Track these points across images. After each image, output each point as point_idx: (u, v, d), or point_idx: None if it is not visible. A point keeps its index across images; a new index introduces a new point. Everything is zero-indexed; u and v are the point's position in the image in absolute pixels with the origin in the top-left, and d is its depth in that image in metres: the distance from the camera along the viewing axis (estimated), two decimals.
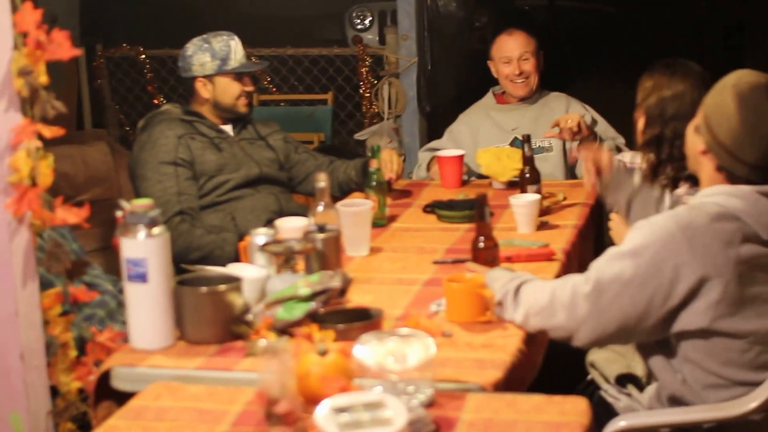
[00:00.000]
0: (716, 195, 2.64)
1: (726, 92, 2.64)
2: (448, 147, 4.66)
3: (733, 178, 2.65)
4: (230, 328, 2.75)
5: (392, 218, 3.90)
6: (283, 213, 4.10)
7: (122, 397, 2.69)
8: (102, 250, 4.95)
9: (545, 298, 2.69)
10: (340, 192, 4.34)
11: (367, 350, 2.36)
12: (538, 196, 3.64)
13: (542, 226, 3.66)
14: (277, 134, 4.37)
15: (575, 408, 2.30)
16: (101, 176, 5.66)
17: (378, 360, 2.33)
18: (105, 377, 2.73)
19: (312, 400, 2.31)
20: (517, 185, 4.14)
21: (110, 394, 2.73)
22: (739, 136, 2.61)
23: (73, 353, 2.87)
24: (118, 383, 2.69)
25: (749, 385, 2.62)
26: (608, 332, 2.62)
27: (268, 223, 3.98)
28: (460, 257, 3.36)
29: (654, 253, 2.57)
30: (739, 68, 2.75)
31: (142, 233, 2.70)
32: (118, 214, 2.81)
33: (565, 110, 4.64)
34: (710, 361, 2.63)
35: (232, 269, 2.97)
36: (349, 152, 6.07)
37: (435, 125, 6.16)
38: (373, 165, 3.81)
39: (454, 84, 6.90)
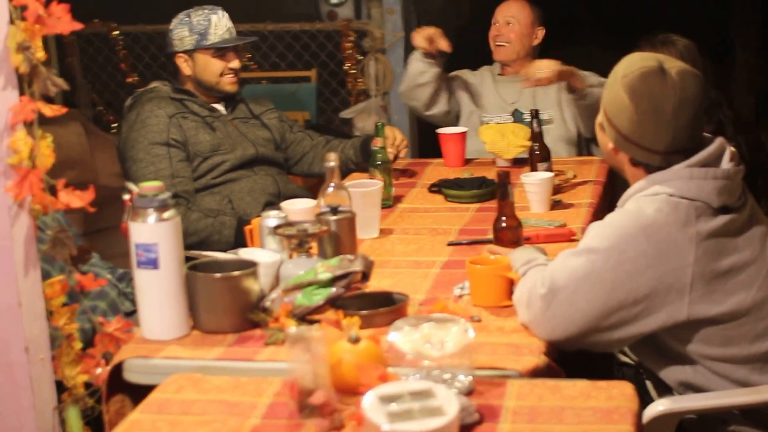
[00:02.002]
0: (654, 188, 2.58)
1: (617, 86, 2.60)
2: (454, 85, 4.68)
3: (651, 169, 2.61)
4: (247, 316, 2.70)
5: (397, 199, 3.85)
6: (281, 195, 4.04)
7: (134, 391, 2.64)
8: (82, 235, 4.86)
9: (517, 294, 2.68)
10: None
11: (401, 337, 2.31)
12: (551, 174, 3.60)
13: (555, 205, 3.61)
14: (272, 113, 4.30)
15: (622, 393, 2.27)
16: (76, 158, 5.56)
17: (414, 347, 2.28)
18: (116, 370, 2.65)
19: (345, 390, 2.27)
20: (522, 163, 4.12)
21: (122, 388, 2.66)
22: (643, 128, 2.58)
23: (78, 345, 2.80)
24: (132, 376, 2.63)
25: (762, 360, 2.61)
26: (571, 332, 2.56)
27: (267, 205, 3.93)
28: (475, 238, 3.32)
29: (610, 248, 2.53)
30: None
31: (152, 217, 2.63)
32: (126, 197, 2.74)
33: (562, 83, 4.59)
34: (709, 346, 2.60)
35: (244, 254, 2.91)
36: (334, 131, 5.99)
37: None
38: (378, 143, 3.76)
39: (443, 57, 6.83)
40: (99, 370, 2.80)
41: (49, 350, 2.72)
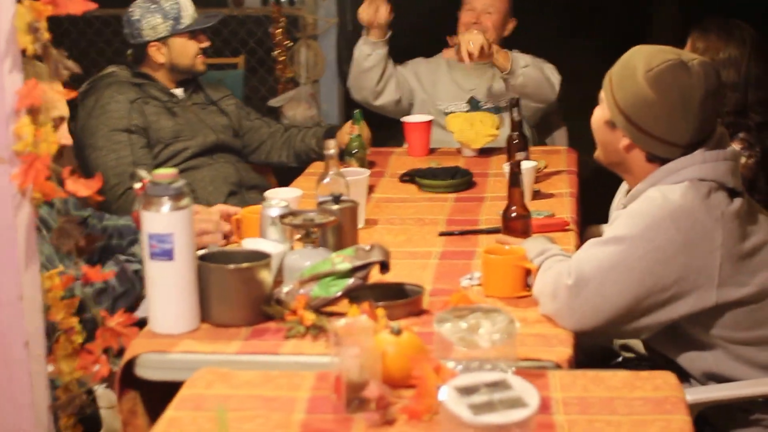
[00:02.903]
0: (672, 177, 2.64)
1: (639, 80, 2.62)
2: (404, 72, 4.66)
3: (665, 162, 2.66)
4: (261, 309, 2.65)
5: (369, 188, 3.82)
6: (242, 184, 4.00)
7: (144, 387, 2.58)
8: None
9: (539, 285, 2.69)
10: (297, 162, 4.26)
11: (446, 328, 2.30)
12: (534, 163, 3.62)
13: (536, 195, 3.63)
14: (229, 99, 4.24)
15: (667, 383, 2.30)
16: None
17: (462, 337, 2.27)
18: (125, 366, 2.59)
19: (390, 383, 2.25)
20: (489, 152, 4.15)
21: (131, 384, 2.60)
22: (669, 122, 2.62)
23: (78, 339, 2.72)
24: (145, 372, 2.57)
25: None
26: (599, 322, 2.59)
27: (230, 195, 3.88)
28: (465, 228, 3.33)
29: (638, 236, 2.57)
30: None
31: (167, 206, 2.57)
32: (137, 185, 2.67)
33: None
34: (735, 330, 2.65)
35: (247, 244, 2.86)
36: None
37: None
38: (354, 131, 3.73)
39: None
40: (97, 367, 2.71)
41: (45, 345, 2.63)
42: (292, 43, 6.10)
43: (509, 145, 3.81)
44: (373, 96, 4.58)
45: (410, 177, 3.88)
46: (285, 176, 4.40)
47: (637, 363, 2.95)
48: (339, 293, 2.65)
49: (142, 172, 2.63)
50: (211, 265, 2.63)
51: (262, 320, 2.65)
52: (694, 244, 2.57)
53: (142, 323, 2.64)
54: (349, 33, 6.17)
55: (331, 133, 4.12)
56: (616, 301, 2.56)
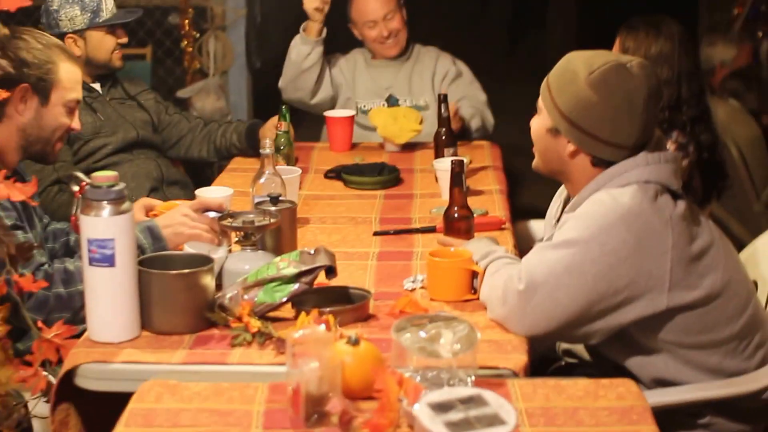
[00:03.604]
0: (617, 180, 2.57)
1: (581, 84, 2.55)
2: (332, 67, 4.52)
3: (609, 165, 2.59)
4: (205, 315, 2.51)
5: None
6: (164, 180, 3.84)
7: (79, 398, 2.44)
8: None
9: (487, 289, 2.60)
10: (217, 157, 4.12)
11: (406, 338, 2.19)
12: (464, 159, 3.52)
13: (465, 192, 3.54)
14: (148, 93, 4.08)
15: (629, 391, 2.23)
16: None
17: (422, 347, 2.17)
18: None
19: (349, 395, 2.14)
20: (412, 147, 4.06)
21: (65, 395, 2.45)
22: (615, 124, 2.55)
23: (10, 348, 2.55)
24: (86, 382, 2.42)
25: (734, 340, 2.62)
26: (551, 327, 2.52)
27: (152, 191, 3.73)
28: (400, 227, 3.24)
29: (590, 239, 2.50)
30: None
31: (106, 210, 2.41)
32: (75, 188, 2.51)
33: (435, 65, 4.52)
34: (685, 335, 2.59)
35: (189, 248, 2.72)
36: None
37: (264, 82, 5.92)
38: (281, 127, 3.60)
39: (286, 38, 6.64)
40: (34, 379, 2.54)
41: None
42: (199, 34, 5.92)
43: (437, 141, 3.71)
44: (310, 96, 4.39)
45: (336, 173, 3.76)
46: (196, 171, 4.27)
47: (579, 368, 2.88)
48: (284, 299, 2.53)
49: (80, 174, 2.47)
50: (152, 271, 2.48)
51: (205, 327, 2.52)
52: (645, 247, 2.50)
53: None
54: (259, 24, 6.02)
55: (254, 128, 3.98)
56: (569, 306, 2.49)
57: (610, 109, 2.54)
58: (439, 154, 3.69)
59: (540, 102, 2.66)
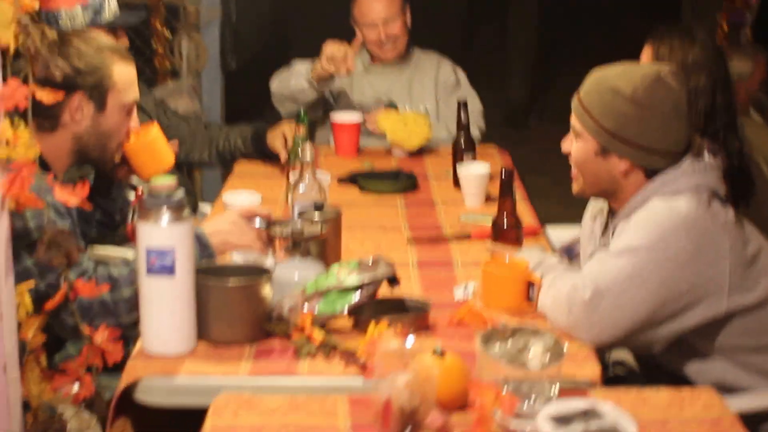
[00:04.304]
0: (667, 189, 2.64)
1: (626, 101, 2.63)
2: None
3: (656, 173, 2.68)
4: (263, 326, 2.49)
5: None
6: None
7: (136, 412, 2.40)
8: None
9: (548, 298, 2.63)
10: (219, 161, 4.07)
11: (495, 349, 2.20)
12: (488, 166, 3.54)
13: (488, 199, 3.56)
14: (146, 96, 4.01)
15: (712, 401, 2.27)
16: None
17: (511, 359, 2.18)
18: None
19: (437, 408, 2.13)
20: (420, 153, 4.07)
21: (122, 410, 2.41)
22: (667, 132, 2.64)
23: (45, 359, 2.50)
24: (148, 397, 2.38)
25: None
26: (617, 335, 2.56)
27: None
28: (433, 235, 3.24)
29: (652, 245, 2.56)
30: None
31: (166, 218, 2.38)
32: (132, 196, 2.47)
33: (436, 72, 4.51)
34: (744, 338, 2.66)
35: (236, 256, 2.69)
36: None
37: (238, 84, 5.88)
38: (300, 132, 3.57)
39: (262, 40, 6.60)
40: (76, 387, 2.50)
41: (19, 367, 2.41)
42: (172, 35, 5.85)
43: (456, 147, 3.71)
44: (301, 109, 4.31)
45: (351, 179, 3.74)
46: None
47: (630, 377, 2.91)
48: (345, 309, 2.51)
49: (136, 181, 2.43)
50: (213, 281, 2.45)
51: (263, 338, 2.50)
52: (704, 252, 2.57)
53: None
54: (234, 24, 5.97)
55: (260, 133, 3.94)
56: (634, 313, 2.53)
57: (660, 119, 2.62)
58: (458, 160, 3.69)
59: (578, 126, 2.71)
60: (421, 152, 4.12)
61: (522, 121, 8.17)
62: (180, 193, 2.40)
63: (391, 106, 4.39)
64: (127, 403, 2.41)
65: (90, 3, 3.71)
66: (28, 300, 2.41)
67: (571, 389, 2.27)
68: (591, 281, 2.53)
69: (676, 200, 2.61)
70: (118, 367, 2.50)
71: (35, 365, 2.47)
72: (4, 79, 2.25)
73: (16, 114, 2.28)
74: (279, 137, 3.88)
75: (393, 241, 3.20)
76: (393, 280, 2.56)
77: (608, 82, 2.66)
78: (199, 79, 5.92)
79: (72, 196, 2.37)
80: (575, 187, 2.80)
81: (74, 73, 2.72)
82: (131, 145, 2.85)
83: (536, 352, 2.19)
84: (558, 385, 2.19)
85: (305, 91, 4.19)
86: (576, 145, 2.73)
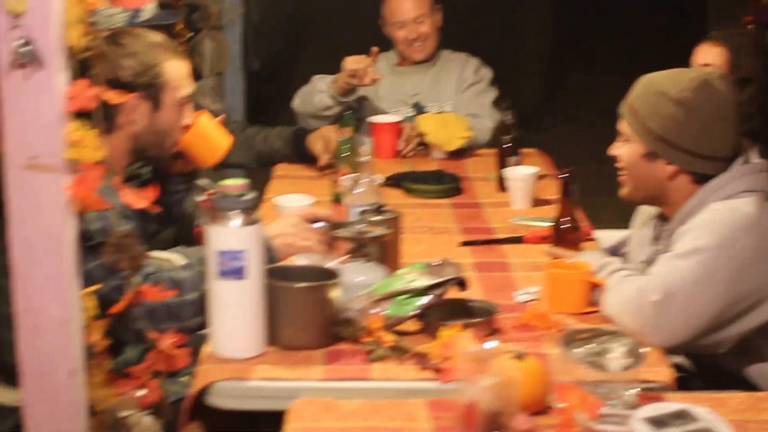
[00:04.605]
0: (720, 193, 2.69)
1: (672, 105, 2.67)
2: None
3: (707, 179, 2.72)
4: (332, 329, 2.50)
5: None
6: None
7: (206, 416, 2.41)
8: None
9: (614, 301, 2.64)
10: (257, 163, 4.08)
11: (576, 352, 2.21)
12: (536, 168, 3.55)
13: (536, 203, 3.57)
14: None
15: None
16: None
17: (592, 361, 2.20)
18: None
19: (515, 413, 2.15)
20: (459, 155, 4.08)
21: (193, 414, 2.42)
22: (713, 137, 2.69)
23: (109, 363, 2.51)
24: (221, 401, 2.39)
25: None
26: (687, 336, 2.59)
27: None
28: (485, 238, 3.25)
29: (718, 245, 2.60)
30: None
31: (237, 220, 2.39)
32: (200, 197, 2.48)
33: (461, 72, 4.53)
34: None
35: (299, 260, 2.70)
36: None
37: (261, 83, 5.88)
38: (346, 133, 3.58)
39: (285, 39, 6.59)
40: (142, 392, 2.51)
41: (84, 371, 2.42)
42: (193, 33, 5.85)
43: (500, 149, 3.72)
44: (325, 123, 4.32)
45: (395, 181, 3.75)
46: None
47: (692, 380, 2.91)
48: (414, 312, 2.52)
49: (206, 183, 2.44)
50: (282, 284, 2.46)
51: (332, 341, 2.51)
52: (767, 251, 2.61)
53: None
54: (256, 24, 5.97)
55: (300, 135, 3.95)
56: (703, 314, 2.57)
57: (706, 123, 2.66)
58: (503, 163, 3.70)
59: (626, 129, 2.75)
60: (460, 153, 4.13)
61: (535, 124, 8.18)
62: (251, 194, 2.41)
63: (418, 107, 4.39)
64: (197, 406, 2.41)
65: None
66: (92, 304, 2.42)
67: (646, 392, 2.28)
68: (659, 283, 2.56)
69: (736, 203, 2.65)
70: (177, 371, 2.51)
71: (99, 369, 2.48)
72: (72, 80, 2.26)
73: (79, 115, 2.29)
74: (319, 141, 3.89)
75: (445, 243, 3.21)
76: (462, 283, 2.57)
77: (656, 86, 2.71)
78: (222, 79, 5.92)
79: (140, 199, 2.38)
80: (623, 192, 2.83)
81: (126, 73, 2.71)
82: (185, 136, 2.85)
83: (617, 355, 2.20)
84: (635, 387, 2.21)
85: (330, 108, 4.21)
86: (624, 149, 2.78)
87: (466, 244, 3.20)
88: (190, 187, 3.00)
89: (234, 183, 2.40)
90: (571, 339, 2.24)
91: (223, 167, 4.12)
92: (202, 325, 2.60)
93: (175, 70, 2.79)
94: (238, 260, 2.38)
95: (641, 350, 2.22)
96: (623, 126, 2.76)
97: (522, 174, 3.51)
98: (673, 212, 2.77)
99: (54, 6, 2.17)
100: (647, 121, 2.70)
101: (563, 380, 2.18)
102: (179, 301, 2.58)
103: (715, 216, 2.64)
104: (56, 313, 2.31)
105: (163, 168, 2.89)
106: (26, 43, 2.18)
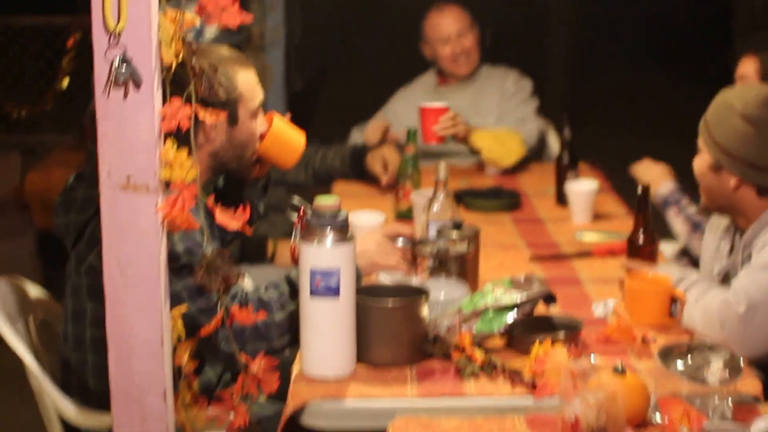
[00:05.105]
0: None
1: (737, 118, 2.70)
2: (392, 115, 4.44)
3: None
4: (421, 347, 2.48)
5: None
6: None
7: None
8: None
9: (698, 314, 2.63)
10: (315, 182, 4.07)
11: (677, 366, 2.20)
12: (596, 182, 3.53)
13: (595, 218, 3.55)
14: None
15: None
16: None
17: (692, 374, 2.18)
18: None
19: (621, 427, 2.12)
20: (513, 170, 4.06)
21: None
22: None
23: (196, 385, 2.49)
24: (316, 421, 2.36)
25: None
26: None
27: None
28: (553, 253, 3.24)
29: None
30: None
31: (330, 238, 2.37)
32: (293, 216, 2.46)
33: (501, 83, 4.51)
34: None
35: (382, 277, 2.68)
36: None
37: (302, 103, 5.88)
38: (410, 151, 3.57)
39: (326, 59, 6.60)
40: (231, 415, 2.48)
41: (172, 393, 2.39)
42: None
43: (558, 164, 3.71)
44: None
45: (457, 197, 3.73)
46: None
47: None
48: (503, 328, 2.50)
49: (298, 200, 2.42)
50: (372, 302, 2.44)
51: (421, 358, 2.49)
52: None
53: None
54: (298, 45, 5.97)
55: (359, 153, 3.94)
56: None
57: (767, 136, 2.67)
58: (561, 177, 3.68)
59: (700, 141, 2.79)
60: (514, 169, 4.11)
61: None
62: (344, 213, 2.39)
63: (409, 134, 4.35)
64: (291, 427, 2.39)
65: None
66: (180, 325, 2.40)
67: (738, 404, 2.26)
68: (743, 295, 2.55)
69: None
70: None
71: (188, 391, 2.46)
72: (166, 99, 2.24)
73: (169, 134, 2.26)
74: (379, 160, 3.88)
75: (514, 259, 3.19)
76: (549, 299, 2.55)
77: (726, 100, 2.75)
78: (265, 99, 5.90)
79: (233, 220, 2.35)
80: (701, 203, 2.87)
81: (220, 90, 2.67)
82: (262, 143, 2.82)
83: (716, 368, 2.18)
84: (731, 400, 2.19)
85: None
86: (697, 160, 2.82)
87: (536, 259, 3.17)
88: (263, 193, 2.97)
89: (327, 201, 2.37)
90: (668, 353, 2.23)
91: (281, 185, 4.11)
92: (288, 346, 2.58)
93: (247, 81, 2.73)
94: (332, 279, 2.37)
95: (739, 363, 2.20)
96: (699, 138, 2.79)
97: (583, 188, 3.49)
98: (746, 224, 2.78)
99: (151, 24, 2.16)
100: (713, 133, 2.73)
101: (664, 394, 2.17)
102: (267, 322, 2.56)
103: None
104: (149, 336, 2.29)
105: (242, 177, 2.85)
106: (124, 61, 2.16)
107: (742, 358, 2.22)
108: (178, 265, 2.54)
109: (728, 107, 2.72)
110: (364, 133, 4.15)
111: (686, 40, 8.54)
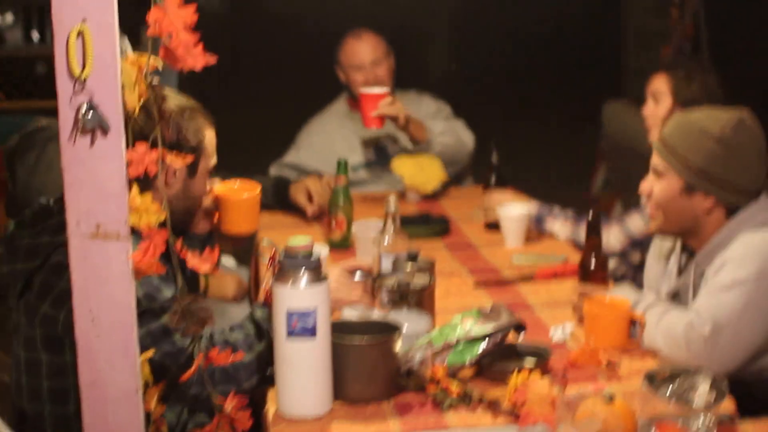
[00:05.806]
0: (752, 223, 2.75)
1: (711, 143, 2.74)
2: (306, 160, 4.36)
3: (736, 211, 2.78)
4: (396, 381, 2.43)
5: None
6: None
7: None
8: None
9: (658, 335, 2.64)
10: None
11: (664, 390, 2.19)
12: (528, 206, 3.53)
13: (527, 240, 3.55)
14: None
15: None
16: None
17: (679, 398, 2.18)
18: None
19: None
20: (433, 196, 4.04)
21: None
22: (751, 171, 2.77)
23: (165, 429, 2.40)
24: None
25: None
26: (736, 366, 2.62)
27: None
28: (494, 278, 3.20)
29: (758, 275, 2.63)
30: None
31: (305, 279, 2.30)
32: (264, 258, 2.38)
33: (417, 106, 4.45)
34: None
35: (348, 313, 2.62)
36: None
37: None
38: (341, 182, 3.51)
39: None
40: None
41: None
42: None
43: (487, 188, 3.70)
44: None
45: None
46: None
47: None
48: (474, 359, 2.47)
49: (268, 242, 2.35)
50: (346, 340, 2.38)
51: (396, 393, 2.43)
52: None
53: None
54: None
55: (281, 184, 3.87)
56: (752, 342, 2.61)
57: (745, 158, 2.74)
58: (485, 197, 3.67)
59: (661, 166, 2.79)
60: (435, 195, 4.08)
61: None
62: (317, 253, 2.33)
63: (380, 148, 4.33)
64: None
65: None
66: (147, 370, 2.31)
67: (721, 423, 2.27)
68: (708, 317, 2.57)
69: (766, 232, 2.68)
70: None
71: None
72: (130, 144, 2.15)
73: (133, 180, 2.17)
74: (302, 191, 3.81)
75: (459, 285, 3.16)
76: (519, 328, 2.53)
77: (695, 124, 2.76)
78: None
79: (203, 263, 2.27)
80: (653, 225, 2.84)
81: (188, 136, 2.59)
82: (231, 196, 2.73)
83: (703, 391, 2.18)
84: (715, 421, 2.19)
85: None
86: (659, 185, 2.79)
87: (480, 284, 3.14)
88: (201, 247, 2.88)
89: (299, 242, 2.30)
90: (653, 378, 2.22)
91: None
92: (256, 387, 2.51)
93: (211, 138, 2.66)
94: (308, 319, 2.30)
95: (724, 386, 2.20)
96: (657, 162, 2.77)
97: (515, 213, 3.48)
98: (699, 244, 2.80)
99: (115, 69, 2.06)
100: (688, 157, 2.74)
101: (657, 418, 2.16)
102: (236, 364, 2.48)
103: (751, 246, 2.68)
104: (124, 384, 2.20)
105: (184, 229, 2.77)
106: (91, 108, 2.06)
107: (725, 382, 2.22)
108: (139, 311, 2.43)
109: (702, 131, 2.74)
110: (294, 197, 3.99)
111: (578, 56, 8.67)
